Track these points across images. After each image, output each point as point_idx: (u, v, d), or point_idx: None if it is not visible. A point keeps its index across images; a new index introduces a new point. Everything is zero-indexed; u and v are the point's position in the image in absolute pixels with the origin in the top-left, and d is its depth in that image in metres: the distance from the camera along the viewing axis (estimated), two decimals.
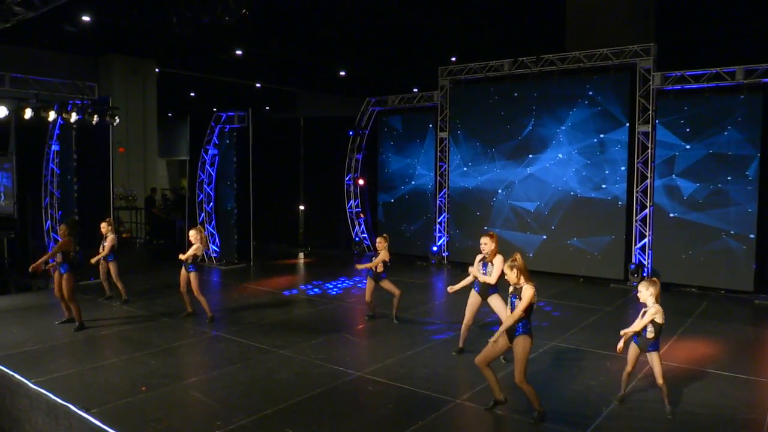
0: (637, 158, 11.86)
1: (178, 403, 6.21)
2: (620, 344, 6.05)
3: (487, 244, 7.32)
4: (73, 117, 11.02)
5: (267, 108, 28.50)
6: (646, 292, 5.91)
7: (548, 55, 12.81)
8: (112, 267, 10.31)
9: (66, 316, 9.17)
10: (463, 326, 7.69)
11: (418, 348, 8.04)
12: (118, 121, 11.68)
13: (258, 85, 27.47)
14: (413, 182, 15.19)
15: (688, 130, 11.39)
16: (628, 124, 11.94)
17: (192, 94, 27.89)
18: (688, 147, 11.41)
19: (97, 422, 5.72)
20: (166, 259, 15.28)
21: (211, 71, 24.64)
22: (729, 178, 11.06)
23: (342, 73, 24.35)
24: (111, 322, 9.28)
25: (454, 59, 13.91)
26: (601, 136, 12.26)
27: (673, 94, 11.55)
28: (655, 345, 5.94)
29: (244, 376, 7.02)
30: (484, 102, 13.72)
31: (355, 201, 15.97)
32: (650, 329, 5.92)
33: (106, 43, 18.94)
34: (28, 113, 10.58)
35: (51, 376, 6.89)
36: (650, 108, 11.61)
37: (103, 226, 10.30)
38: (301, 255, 16.11)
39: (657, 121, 11.61)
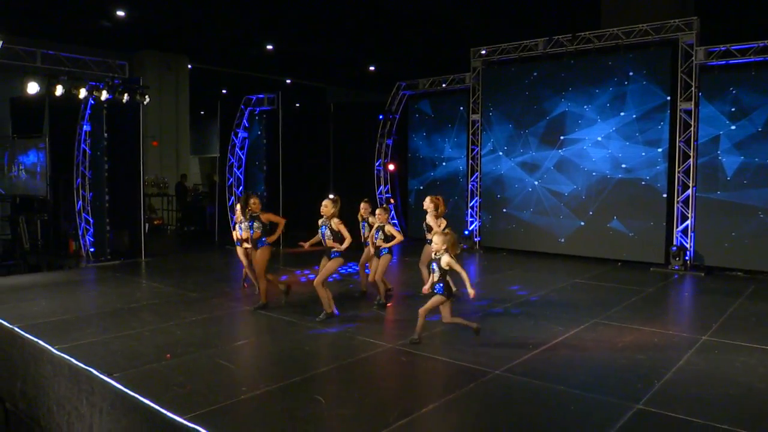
0: (679, 137, 11.22)
1: (203, 370, 5.87)
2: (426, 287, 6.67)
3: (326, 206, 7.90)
4: (104, 95, 10.82)
5: (297, 105, 28.37)
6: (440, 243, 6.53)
7: (584, 33, 12.24)
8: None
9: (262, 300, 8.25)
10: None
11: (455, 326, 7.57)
12: (148, 100, 11.47)
13: (288, 81, 27.25)
14: (444, 166, 14.73)
15: (733, 108, 10.72)
16: (669, 102, 11.30)
17: (224, 90, 27.85)
18: (733, 126, 10.73)
19: (119, 386, 5.41)
20: (198, 244, 15.13)
21: (242, 66, 24.48)
22: None
23: (371, 68, 23.96)
24: (139, 297, 9.03)
25: (484, 51, 13.32)
26: (641, 115, 11.63)
27: (717, 70, 10.88)
28: (439, 288, 6.52)
29: (272, 347, 6.68)
30: (518, 83, 13.19)
31: (385, 186, 15.57)
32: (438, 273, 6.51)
33: (140, 38, 18.90)
34: (59, 90, 10.41)
35: (75, 343, 6.62)
36: (693, 84, 10.97)
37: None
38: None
39: (700, 97, 10.96)
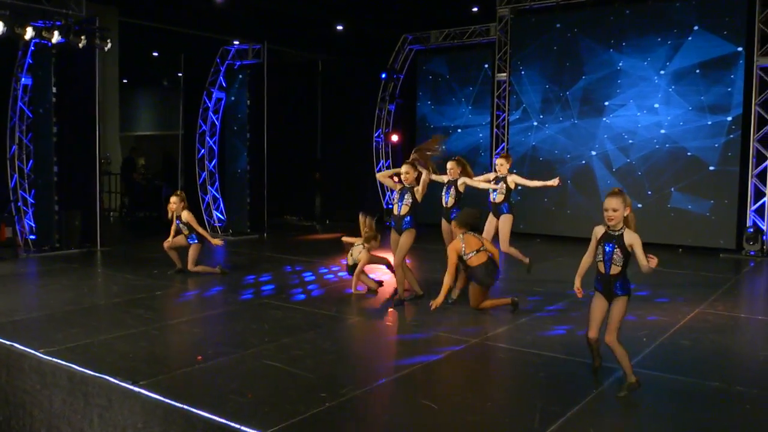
0: (755, 99, 11.18)
1: (257, 374, 5.34)
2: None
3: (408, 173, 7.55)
4: (55, 37, 9.98)
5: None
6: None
7: None
8: (192, 252, 9.23)
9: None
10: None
11: (529, 317, 7.22)
12: (110, 45, 10.68)
13: (236, 42, 26.23)
14: (461, 136, 14.42)
15: None
16: (743, 58, 11.25)
17: (155, 53, 26.64)
18: None
19: (156, 396, 4.82)
20: (158, 233, 14.25)
21: (180, 23, 23.27)
22: None
23: (339, 27, 23.01)
24: (118, 291, 8.37)
25: None
26: (707, 74, 11.55)
27: None
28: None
29: (327, 344, 6.20)
30: (557, 35, 12.99)
31: (386, 162, 15.15)
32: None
33: None
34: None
35: (65, 346, 5.98)
36: None
37: (174, 202, 9.26)
38: (319, 228, 15.21)
39: None
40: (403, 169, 7.55)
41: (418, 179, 7.47)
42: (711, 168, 11.64)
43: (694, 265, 10.58)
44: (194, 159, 13.44)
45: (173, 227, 9.40)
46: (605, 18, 12.48)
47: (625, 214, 4.70)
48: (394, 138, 15.13)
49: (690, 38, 11.66)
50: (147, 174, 17.10)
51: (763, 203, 11.24)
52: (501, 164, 8.75)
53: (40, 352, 5.78)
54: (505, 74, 13.65)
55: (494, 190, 8.68)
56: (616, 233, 4.72)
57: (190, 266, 9.22)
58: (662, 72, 11.97)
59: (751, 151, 11.30)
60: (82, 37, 10.24)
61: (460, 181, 8.34)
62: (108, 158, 16.39)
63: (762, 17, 11.06)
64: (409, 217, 7.43)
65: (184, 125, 14.15)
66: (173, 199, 9.31)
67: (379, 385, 5.11)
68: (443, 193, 8.42)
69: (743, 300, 8.29)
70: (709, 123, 11.63)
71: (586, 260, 4.94)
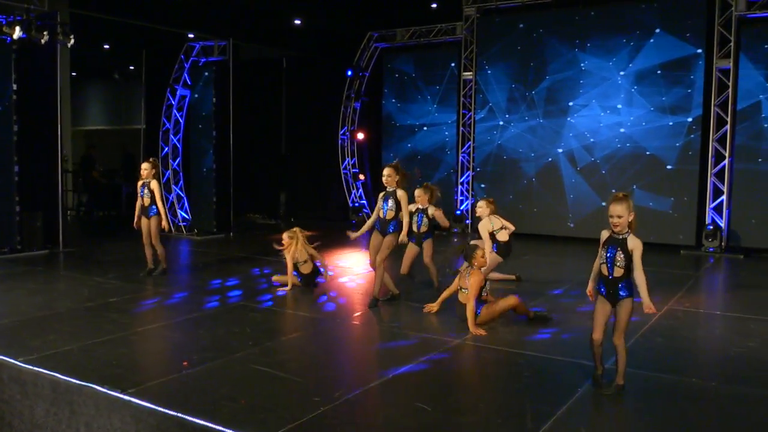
0: (714, 100, 11.61)
1: (246, 379, 5.37)
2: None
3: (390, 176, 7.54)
4: (17, 33, 9.75)
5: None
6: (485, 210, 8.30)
7: None
8: (153, 224, 9.12)
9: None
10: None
11: (507, 317, 7.39)
12: (73, 41, 10.47)
13: (191, 35, 25.78)
14: (427, 135, 14.57)
15: None
16: (703, 60, 11.66)
17: (106, 46, 26.07)
18: None
19: (146, 404, 4.81)
20: (118, 233, 14.04)
21: (133, 14, 22.75)
22: None
23: (297, 22, 22.68)
24: (89, 294, 8.24)
25: None
26: (668, 75, 11.94)
27: (760, 23, 11.32)
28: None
29: (313, 348, 6.29)
30: (522, 35, 13.24)
31: (351, 160, 15.19)
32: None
33: None
34: None
35: (43, 353, 5.88)
36: (731, 39, 11.36)
37: (146, 168, 9.12)
38: (284, 227, 15.14)
39: (741, 55, 11.37)
40: (385, 171, 7.57)
41: (399, 183, 7.52)
42: (669, 167, 12.04)
43: (657, 261, 10.92)
44: (157, 157, 13.27)
45: (138, 202, 9.22)
46: (570, 19, 12.76)
47: (629, 219, 4.86)
48: (360, 136, 15.21)
49: (652, 40, 12.03)
50: (101, 169, 16.76)
51: (722, 201, 11.69)
52: (481, 207, 8.46)
53: (18, 361, 5.69)
54: (471, 73, 13.85)
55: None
56: (620, 237, 4.88)
57: (154, 240, 9.16)
58: (623, 73, 12.32)
59: (710, 150, 11.73)
60: (45, 33, 10.03)
61: (430, 211, 8.41)
62: (65, 156, 16.03)
63: (721, 20, 11.46)
64: (395, 221, 7.50)
65: (147, 121, 13.96)
66: (145, 165, 9.17)
67: (371, 387, 5.19)
68: (414, 220, 8.30)
69: (707, 296, 8.67)
70: (670, 123, 12.02)
71: (597, 264, 5.07)
